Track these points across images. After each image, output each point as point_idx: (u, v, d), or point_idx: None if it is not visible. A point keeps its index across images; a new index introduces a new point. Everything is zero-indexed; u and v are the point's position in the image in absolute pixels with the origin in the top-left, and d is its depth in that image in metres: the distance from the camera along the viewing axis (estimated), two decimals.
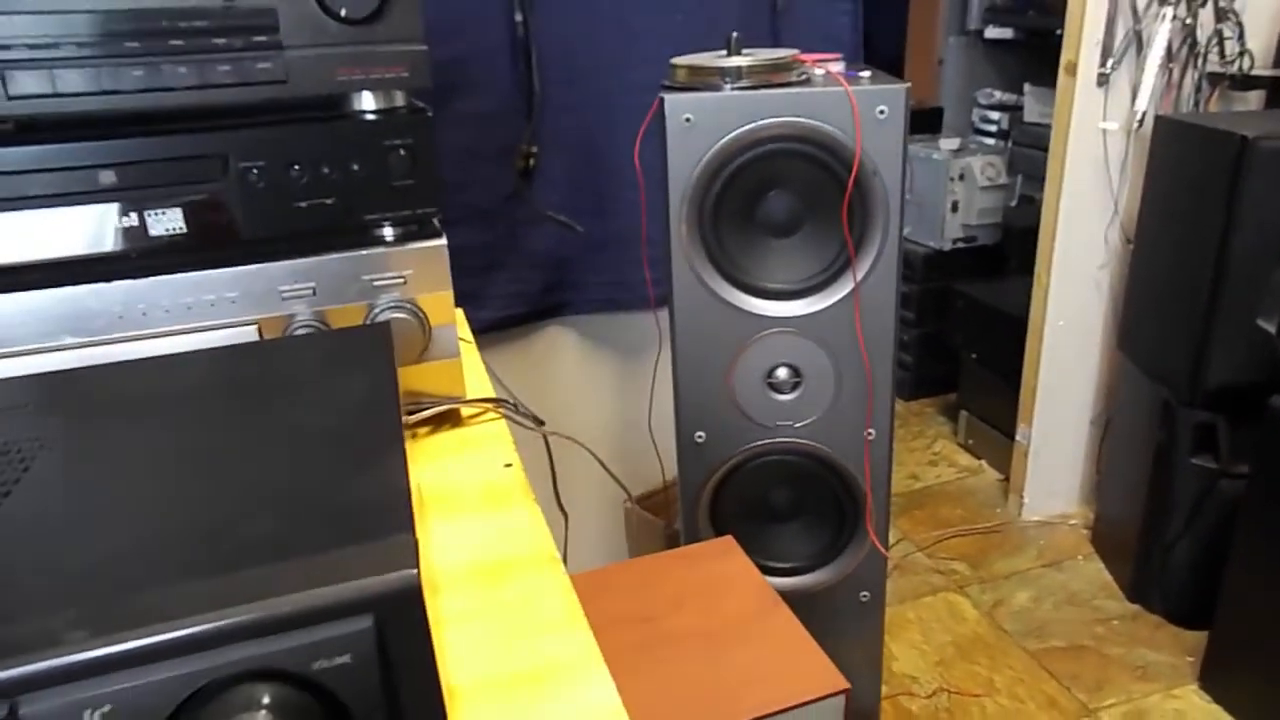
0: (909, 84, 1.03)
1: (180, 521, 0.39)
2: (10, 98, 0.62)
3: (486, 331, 1.55)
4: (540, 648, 0.53)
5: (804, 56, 1.08)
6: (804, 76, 1.05)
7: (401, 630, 0.34)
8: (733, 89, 1.01)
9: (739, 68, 1.02)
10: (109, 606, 0.33)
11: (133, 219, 0.68)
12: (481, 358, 0.98)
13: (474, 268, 1.51)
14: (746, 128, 1.00)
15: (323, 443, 0.45)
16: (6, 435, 0.47)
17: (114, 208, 0.68)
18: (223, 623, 0.32)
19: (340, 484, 0.41)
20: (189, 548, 0.37)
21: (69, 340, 0.67)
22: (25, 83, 0.62)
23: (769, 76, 1.02)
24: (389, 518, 0.38)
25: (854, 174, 1.02)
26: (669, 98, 1.01)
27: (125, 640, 0.31)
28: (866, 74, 1.05)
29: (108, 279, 0.67)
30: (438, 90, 1.40)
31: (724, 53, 1.05)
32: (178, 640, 0.31)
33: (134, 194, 0.68)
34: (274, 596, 0.33)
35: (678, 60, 1.06)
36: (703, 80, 1.02)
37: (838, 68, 1.06)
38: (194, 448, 0.46)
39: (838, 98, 1.00)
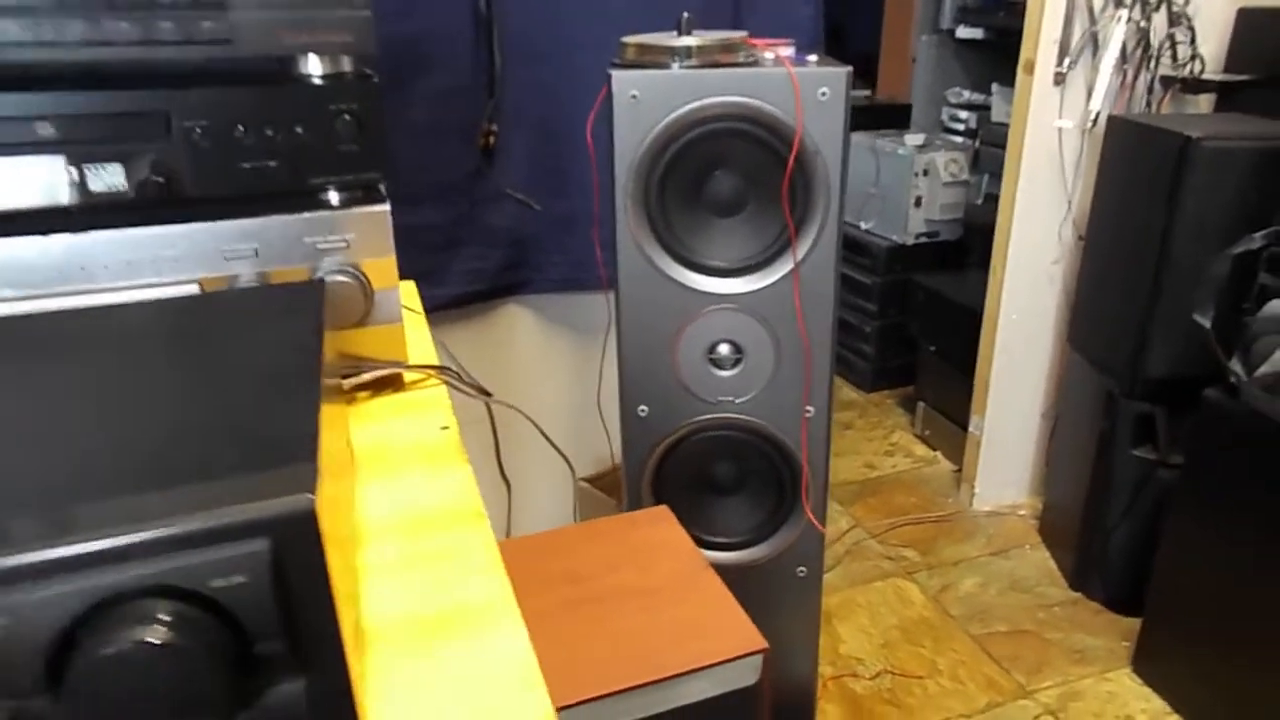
0: (850, 68, 1.05)
1: (92, 448, 0.40)
2: None
3: (445, 309, 1.56)
4: (457, 595, 0.55)
5: (755, 40, 1.10)
6: (752, 59, 1.07)
7: (298, 554, 0.36)
8: (680, 68, 1.03)
9: (688, 47, 1.04)
10: (15, 523, 0.34)
11: (73, 173, 0.69)
12: (436, 335, 0.99)
13: (433, 245, 1.52)
14: (691, 106, 1.03)
15: (242, 383, 0.47)
16: None
17: (54, 161, 0.68)
18: (120, 540, 0.34)
19: (252, 420, 0.43)
20: (96, 472, 0.38)
21: (6, 293, 0.67)
22: None
23: (717, 57, 1.04)
24: (294, 450, 0.39)
25: (794, 153, 1.05)
26: (616, 74, 1.03)
27: (16, 555, 0.32)
28: (814, 58, 1.07)
29: (47, 233, 0.67)
30: (399, 66, 1.40)
31: (675, 33, 1.07)
32: (73, 556, 0.33)
33: (74, 148, 0.68)
34: (173, 516, 0.34)
35: (628, 39, 1.08)
36: (651, 58, 1.04)
37: (788, 52, 1.08)
38: (116, 385, 0.47)
39: (781, 78, 1.02)
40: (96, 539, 0.33)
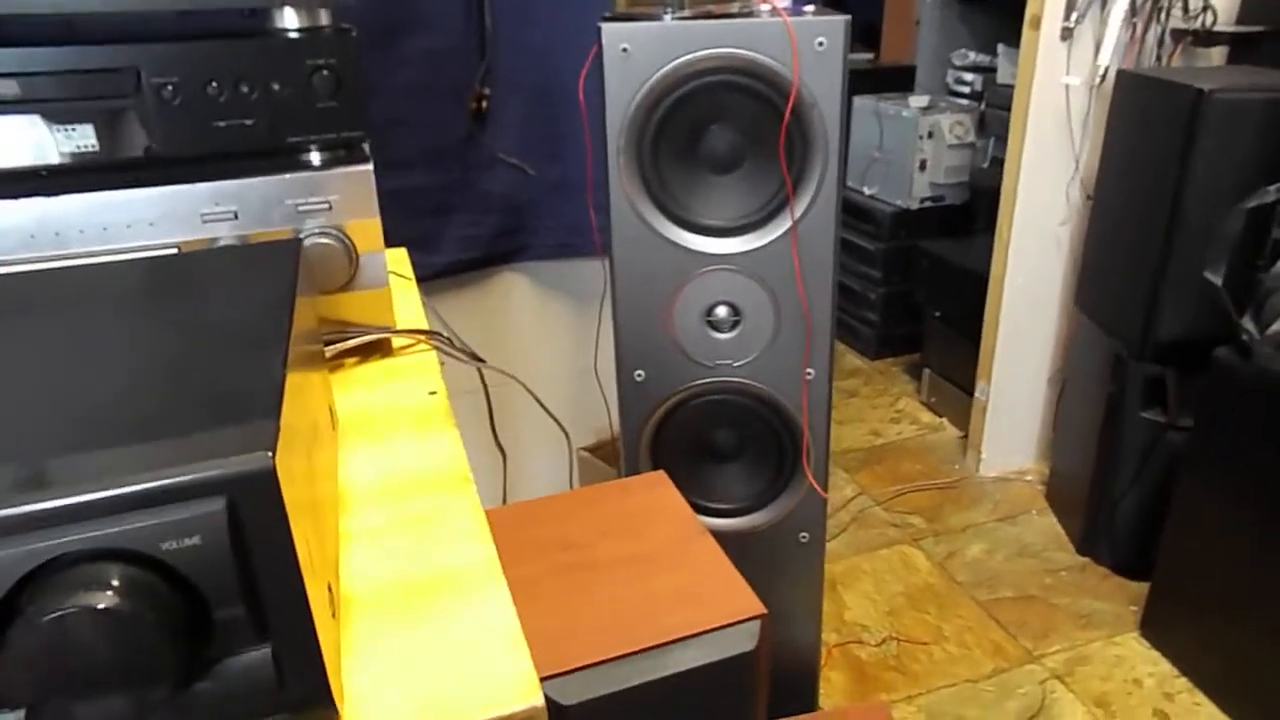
0: (848, 16, 1.02)
1: (46, 406, 0.38)
2: None
3: (439, 276, 1.54)
4: (442, 561, 0.53)
5: None
6: (747, 9, 1.04)
7: (257, 515, 0.34)
8: (673, 19, 1.00)
9: None
10: None
11: (42, 133, 0.67)
12: (430, 303, 0.97)
13: (426, 210, 1.49)
14: (685, 58, 0.99)
15: (209, 340, 0.45)
16: None
17: (21, 120, 0.66)
18: (66, 500, 0.32)
19: (216, 377, 0.41)
20: (48, 430, 0.36)
21: None
22: None
23: (710, 8, 1.01)
24: (255, 405, 0.37)
25: (790, 105, 1.01)
26: (607, 27, 0.99)
27: None
28: (810, 8, 1.04)
29: (16, 196, 0.65)
30: (387, 26, 1.36)
31: None
32: (15, 517, 0.31)
33: (42, 106, 0.66)
34: (124, 475, 0.32)
35: None
36: (643, 10, 1.01)
37: (784, 3, 1.04)
38: (79, 343, 0.45)
39: (777, 29, 0.98)
40: (41, 500, 0.31)
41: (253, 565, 0.34)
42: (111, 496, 0.32)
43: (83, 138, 0.69)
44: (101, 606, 0.31)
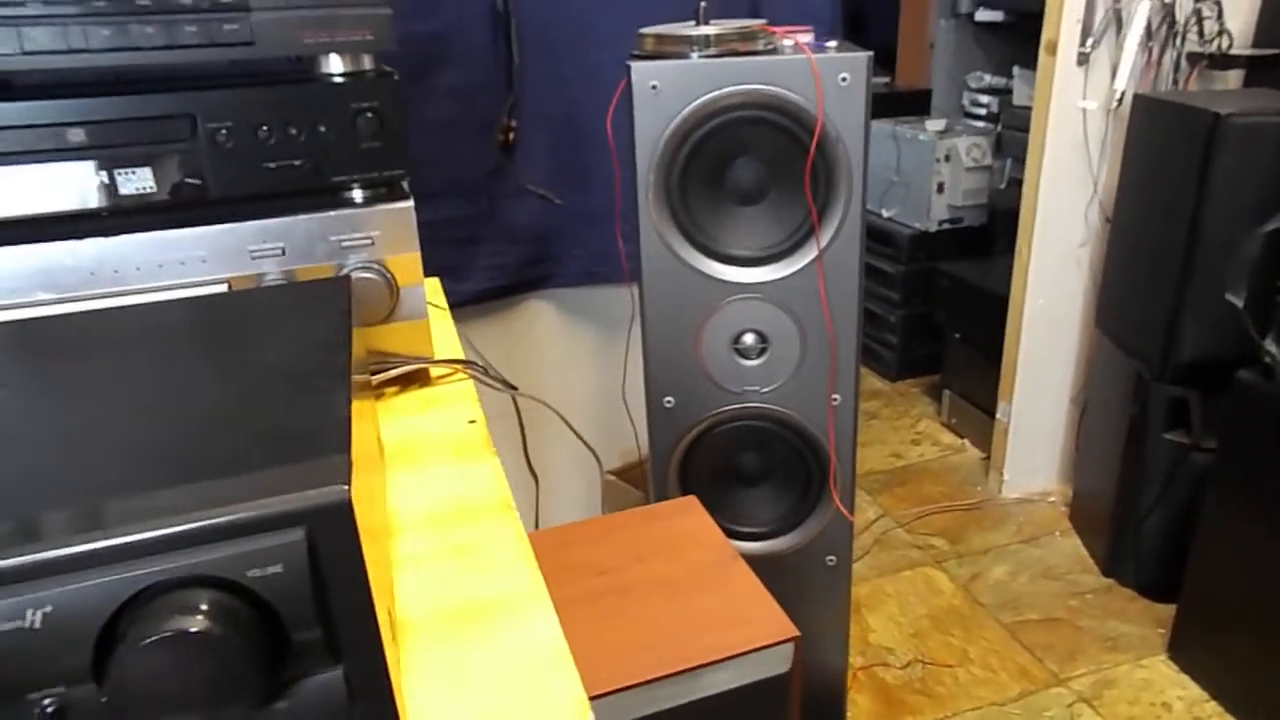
0: (870, 53, 1.04)
1: (131, 443, 0.41)
2: None
3: (468, 304, 1.57)
4: (489, 586, 0.55)
5: (774, 28, 1.10)
6: (771, 46, 1.07)
7: (333, 544, 0.36)
8: (699, 57, 1.03)
9: (706, 36, 1.03)
10: (56, 515, 0.35)
11: (103, 177, 0.70)
12: (460, 330, 0.99)
13: (456, 240, 1.53)
14: (711, 95, 1.02)
15: (273, 378, 0.47)
16: None
17: (85, 166, 0.69)
18: (161, 531, 0.34)
19: (284, 413, 0.43)
20: (135, 466, 0.39)
21: (42, 296, 0.69)
22: None
23: (736, 45, 1.04)
24: (326, 442, 0.40)
25: (815, 140, 1.04)
26: (636, 65, 1.02)
27: (66, 546, 0.33)
28: (833, 44, 1.07)
29: (80, 237, 0.68)
30: (418, 64, 1.41)
31: (693, 22, 1.07)
32: (116, 547, 0.34)
33: (104, 153, 0.69)
34: (211, 509, 0.35)
35: (646, 30, 1.08)
36: (670, 48, 1.04)
37: (806, 39, 1.07)
38: (150, 381, 0.48)
39: (800, 65, 1.01)
40: (137, 531, 0.34)
41: (328, 591, 0.37)
42: (202, 528, 0.35)
43: (141, 180, 0.72)
44: (194, 630, 0.33)
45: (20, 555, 0.32)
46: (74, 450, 0.41)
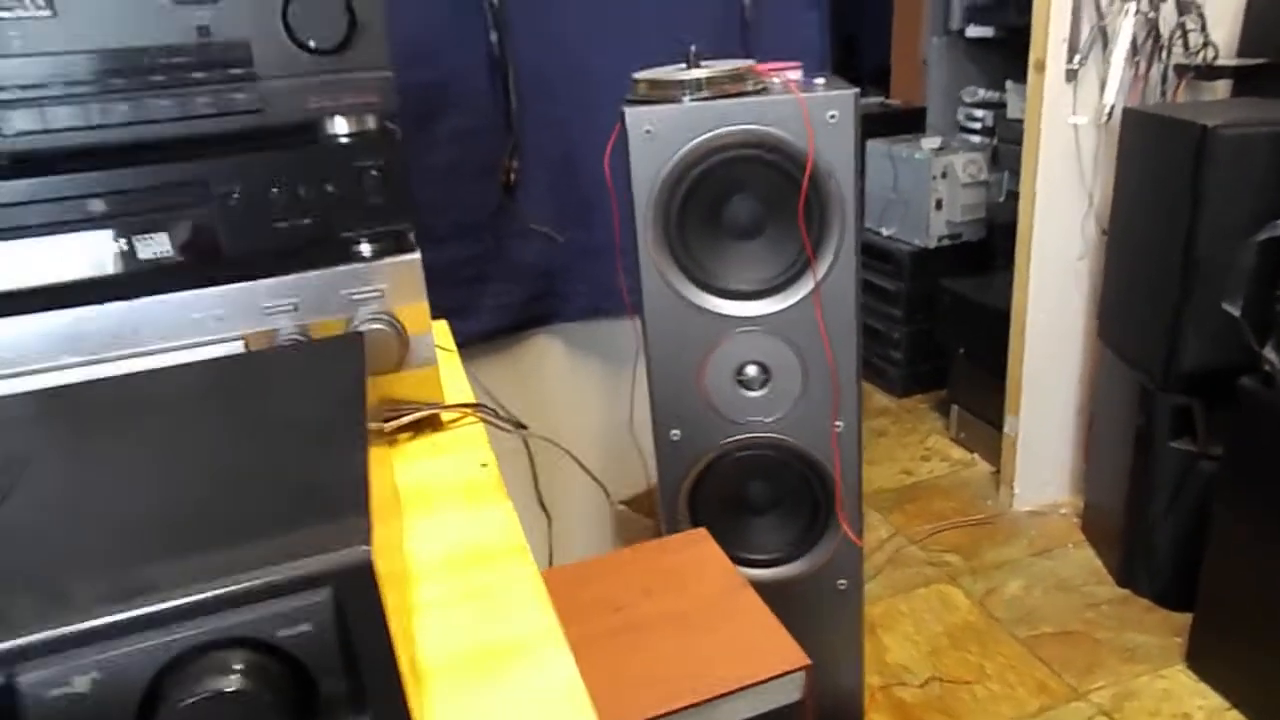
0: (858, 90, 1.07)
1: (162, 508, 0.43)
2: (5, 135, 0.66)
3: (476, 343, 1.60)
4: (505, 628, 0.57)
5: (761, 67, 1.13)
6: (761, 86, 1.10)
7: (357, 600, 0.38)
8: (691, 100, 1.06)
9: (697, 80, 1.07)
10: (95, 584, 0.37)
11: (123, 244, 0.73)
12: (469, 368, 1.01)
13: (462, 280, 1.56)
14: (704, 136, 1.05)
15: (293, 438, 0.50)
16: (5, 444, 0.51)
17: (105, 234, 0.72)
18: (196, 597, 0.36)
19: (306, 474, 0.46)
20: (170, 531, 0.41)
21: (68, 359, 0.71)
22: (18, 120, 0.66)
23: (726, 87, 1.07)
24: (347, 502, 0.42)
25: (807, 176, 1.07)
26: (630, 111, 1.06)
27: (109, 614, 0.35)
28: (821, 81, 1.09)
29: (102, 301, 0.71)
30: (420, 111, 1.44)
31: (684, 66, 1.10)
32: (156, 614, 0.36)
33: (123, 220, 0.72)
34: (242, 573, 0.37)
35: (639, 75, 1.11)
36: (662, 93, 1.07)
37: (795, 76, 1.10)
38: (176, 445, 0.50)
39: (790, 104, 1.04)
40: (175, 598, 0.36)
41: (353, 644, 0.39)
42: (234, 592, 0.37)
43: (158, 245, 0.75)
44: (230, 690, 0.36)
45: (67, 625, 0.35)
46: (108, 517, 0.43)
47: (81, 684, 0.35)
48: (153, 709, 0.35)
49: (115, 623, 0.35)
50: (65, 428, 0.54)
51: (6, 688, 0.33)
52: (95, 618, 0.35)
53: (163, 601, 0.36)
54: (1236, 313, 1.43)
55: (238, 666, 0.36)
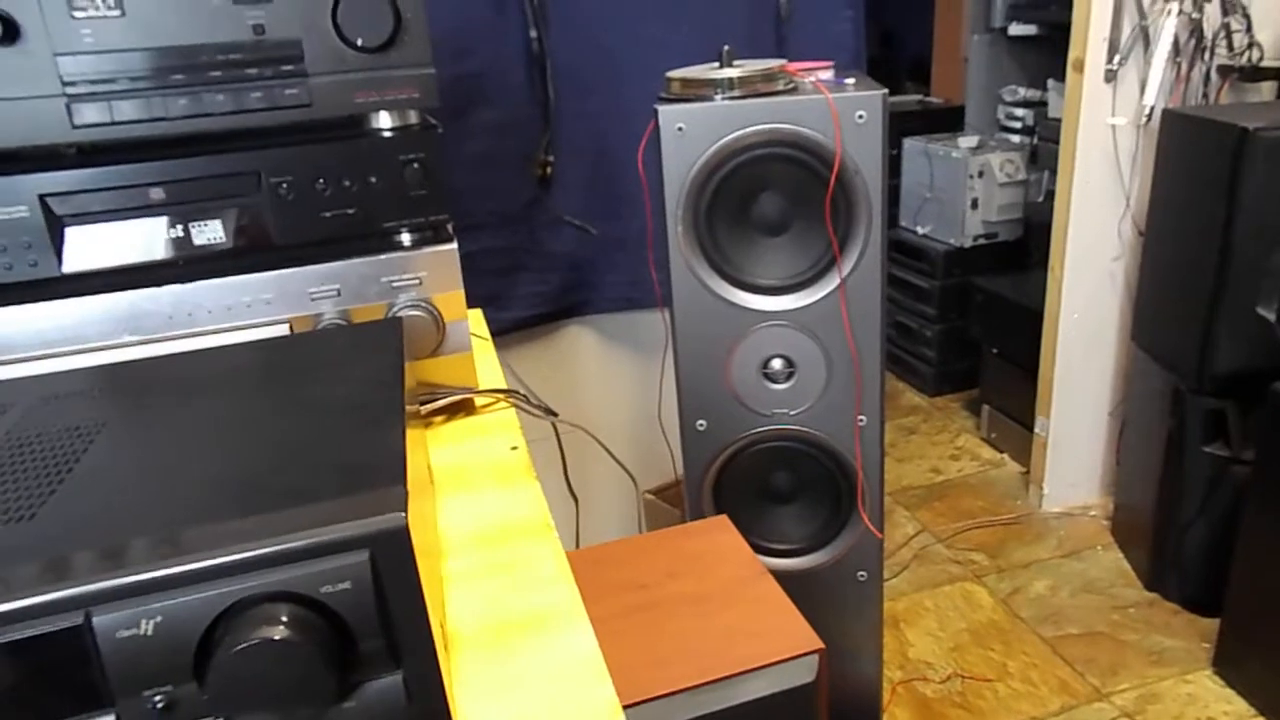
0: (886, 90, 1.09)
1: (217, 475, 0.47)
2: (75, 126, 0.71)
3: (510, 331, 1.63)
4: (530, 600, 0.60)
5: (792, 66, 1.15)
6: (791, 85, 1.12)
7: (393, 563, 0.42)
8: (723, 99, 1.09)
9: (729, 79, 1.09)
10: (161, 540, 0.41)
11: (179, 230, 0.77)
12: (502, 356, 1.05)
13: (497, 270, 1.60)
14: (735, 135, 1.08)
15: (335, 415, 0.53)
16: (77, 414, 0.55)
17: (163, 220, 0.76)
18: (249, 554, 0.40)
19: (347, 448, 0.49)
20: (225, 495, 0.45)
21: (128, 338, 0.76)
22: (87, 113, 0.71)
23: (757, 86, 1.09)
24: (385, 474, 0.45)
25: (834, 174, 1.09)
26: (663, 109, 1.08)
27: (172, 566, 0.39)
28: (851, 81, 1.11)
29: (159, 284, 0.76)
30: (459, 103, 1.48)
31: (717, 65, 1.12)
32: (212, 567, 0.39)
33: (180, 208, 0.76)
34: (289, 534, 0.41)
35: (672, 73, 1.14)
36: (695, 92, 1.10)
37: (826, 75, 1.12)
38: (229, 419, 0.54)
39: (819, 104, 1.06)
40: (230, 554, 0.40)
41: (389, 605, 0.42)
42: (283, 550, 0.40)
43: (212, 232, 0.79)
44: (277, 638, 0.39)
45: (135, 574, 0.39)
46: (170, 481, 0.47)
47: (147, 627, 0.38)
48: (208, 652, 0.39)
49: (177, 574, 0.39)
50: (129, 401, 0.58)
51: (82, 627, 0.37)
52: (159, 569, 0.39)
53: (219, 557, 0.40)
54: (1271, 317, 1.42)
55: (284, 618, 0.40)
